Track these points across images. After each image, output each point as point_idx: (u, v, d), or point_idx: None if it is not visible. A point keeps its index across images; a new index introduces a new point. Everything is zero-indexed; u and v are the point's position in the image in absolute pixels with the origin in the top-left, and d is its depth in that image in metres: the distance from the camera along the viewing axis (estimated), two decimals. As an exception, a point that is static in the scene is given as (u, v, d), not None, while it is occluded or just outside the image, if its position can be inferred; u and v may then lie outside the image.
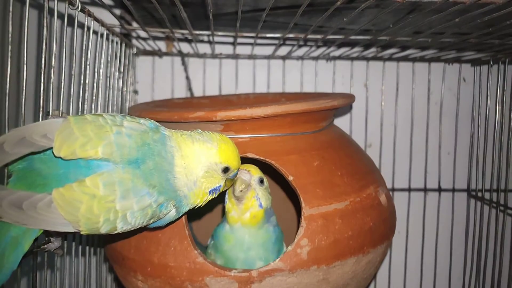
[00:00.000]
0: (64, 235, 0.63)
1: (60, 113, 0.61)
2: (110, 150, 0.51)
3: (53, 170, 0.52)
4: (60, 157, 0.50)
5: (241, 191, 0.67)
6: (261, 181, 0.70)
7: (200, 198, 0.59)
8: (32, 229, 0.51)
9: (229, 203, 0.70)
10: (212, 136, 0.60)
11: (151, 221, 0.55)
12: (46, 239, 0.59)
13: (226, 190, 0.67)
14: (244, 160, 0.69)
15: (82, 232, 0.51)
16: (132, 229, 0.55)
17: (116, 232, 0.53)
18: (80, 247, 0.77)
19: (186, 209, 0.59)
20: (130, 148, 0.52)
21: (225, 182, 0.61)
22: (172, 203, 0.56)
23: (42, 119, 0.60)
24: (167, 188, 0.55)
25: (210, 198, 0.61)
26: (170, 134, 0.58)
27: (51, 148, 0.50)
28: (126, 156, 0.52)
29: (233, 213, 0.69)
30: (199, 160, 0.57)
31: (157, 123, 0.59)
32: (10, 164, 0.53)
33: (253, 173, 0.69)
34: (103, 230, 0.52)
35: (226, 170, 0.59)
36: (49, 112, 0.60)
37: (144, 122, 0.57)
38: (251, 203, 0.68)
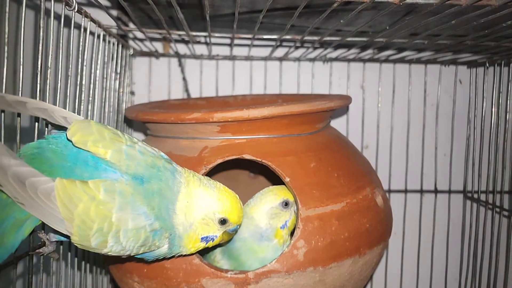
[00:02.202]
0: (60, 242, 0.63)
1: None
2: (119, 157, 0.52)
3: (61, 161, 0.53)
4: (71, 141, 0.52)
5: None
6: (286, 204, 0.70)
7: (192, 244, 0.58)
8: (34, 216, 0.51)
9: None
10: (218, 185, 0.60)
11: (141, 249, 0.54)
12: (41, 242, 0.59)
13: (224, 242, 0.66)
14: (241, 161, 0.69)
15: (73, 239, 0.51)
16: (121, 252, 0.53)
17: (105, 250, 0.52)
18: (76, 251, 0.77)
19: (177, 250, 0.58)
20: (138, 163, 0.53)
21: (222, 234, 0.60)
22: (166, 236, 0.55)
23: (38, 123, 0.60)
24: (165, 217, 0.54)
25: (203, 247, 0.59)
26: (182, 170, 0.58)
27: (64, 137, 0.53)
28: (132, 169, 0.53)
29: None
30: (199, 204, 0.57)
31: (169, 158, 0.59)
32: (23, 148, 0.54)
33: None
34: (94, 241, 0.51)
35: (223, 222, 0.58)
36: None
37: (159, 151, 0.58)
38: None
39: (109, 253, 0.53)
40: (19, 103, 0.53)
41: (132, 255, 0.55)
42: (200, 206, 0.57)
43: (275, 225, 0.69)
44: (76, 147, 0.52)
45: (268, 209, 0.70)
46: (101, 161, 0.52)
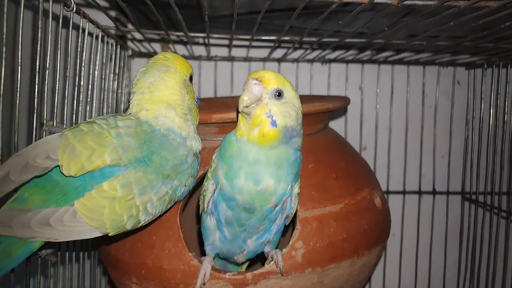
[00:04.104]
0: (57, 243, 0.63)
1: (54, 123, 0.61)
2: (117, 156, 0.53)
3: (71, 182, 0.53)
4: (71, 176, 0.51)
5: (245, 106, 0.55)
6: (279, 94, 0.56)
7: (197, 115, 0.65)
8: None
9: (240, 114, 0.58)
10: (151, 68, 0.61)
11: (169, 205, 0.59)
12: None
13: None
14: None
15: (110, 234, 0.54)
16: (153, 217, 0.58)
17: (140, 225, 0.56)
18: (74, 253, 0.76)
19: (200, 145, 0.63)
20: (134, 149, 0.54)
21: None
22: (187, 176, 0.59)
23: (36, 123, 0.59)
24: (181, 167, 0.58)
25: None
26: (146, 114, 0.59)
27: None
28: (133, 157, 0.54)
29: (241, 125, 0.58)
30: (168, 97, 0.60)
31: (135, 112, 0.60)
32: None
33: (266, 85, 0.56)
34: (129, 226, 0.55)
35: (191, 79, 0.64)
36: (43, 123, 0.60)
37: (135, 114, 0.59)
38: (260, 120, 0.55)
39: (144, 224, 0.57)
40: (2, 181, 0.51)
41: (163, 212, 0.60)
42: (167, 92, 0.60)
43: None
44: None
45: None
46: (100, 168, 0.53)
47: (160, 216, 0.61)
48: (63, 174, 0.52)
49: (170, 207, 0.61)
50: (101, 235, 0.53)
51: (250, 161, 0.57)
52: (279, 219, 0.63)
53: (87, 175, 0.53)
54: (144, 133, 0.57)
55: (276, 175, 0.57)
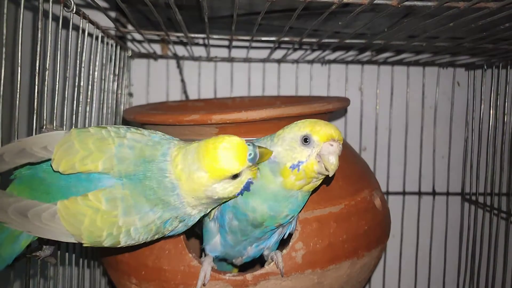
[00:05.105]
0: (57, 243, 0.63)
1: (54, 126, 0.61)
2: (111, 165, 0.51)
3: (55, 181, 0.52)
4: (59, 172, 0.50)
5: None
6: (305, 140, 0.56)
7: (225, 196, 0.53)
8: None
9: (290, 170, 0.55)
10: (202, 146, 0.52)
11: (156, 236, 0.54)
12: (38, 245, 0.59)
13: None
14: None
15: (84, 244, 0.51)
16: (136, 244, 0.54)
17: (120, 246, 0.53)
18: (74, 254, 0.76)
19: (196, 219, 0.55)
20: (130, 163, 0.51)
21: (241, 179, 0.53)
22: (178, 220, 0.54)
23: (36, 124, 0.59)
24: (172, 206, 0.52)
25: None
26: (172, 149, 0.53)
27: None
28: (125, 171, 0.51)
29: (290, 177, 0.55)
30: (192, 181, 0.51)
31: (163, 135, 0.56)
32: (15, 170, 0.53)
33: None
34: (106, 243, 0.51)
35: (235, 176, 0.52)
36: (42, 126, 0.60)
37: (149, 134, 0.55)
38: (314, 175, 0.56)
39: (125, 246, 0.53)
40: None
41: (147, 242, 0.55)
42: (193, 183, 0.50)
43: (284, 161, 0.55)
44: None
45: (288, 138, 0.56)
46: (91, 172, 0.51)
47: (145, 243, 0.56)
48: (51, 170, 0.51)
49: (158, 239, 0.56)
50: (76, 242, 0.51)
51: (275, 198, 0.57)
52: (280, 232, 0.65)
53: (73, 177, 0.51)
54: (151, 153, 0.52)
55: (292, 209, 0.58)
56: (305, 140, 0.55)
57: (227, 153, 0.50)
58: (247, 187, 0.53)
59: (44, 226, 0.49)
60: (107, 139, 0.52)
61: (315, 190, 0.60)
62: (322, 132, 0.54)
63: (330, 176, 0.55)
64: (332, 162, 0.54)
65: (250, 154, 0.51)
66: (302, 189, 0.56)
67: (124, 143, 0.52)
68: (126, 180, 0.51)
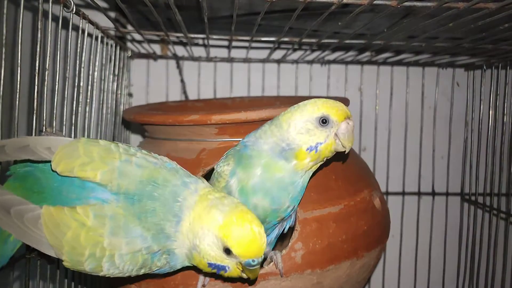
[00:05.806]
0: None
1: (54, 130, 0.61)
2: (110, 177, 0.49)
3: (49, 182, 0.51)
4: (56, 172, 0.49)
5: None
6: (324, 122, 0.56)
7: (203, 265, 0.51)
8: None
9: (306, 152, 0.54)
10: (233, 207, 0.49)
11: (141, 271, 0.51)
12: None
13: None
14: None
15: (65, 264, 0.49)
16: (120, 275, 0.50)
17: (102, 273, 0.49)
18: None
19: (182, 265, 0.53)
20: (134, 180, 0.49)
21: (237, 266, 0.50)
22: (165, 257, 0.51)
23: (36, 124, 0.59)
24: (164, 238, 0.49)
25: (212, 271, 0.51)
26: (195, 185, 0.51)
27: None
28: (124, 188, 0.49)
29: (306, 159, 0.55)
30: (202, 226, 0.49)
31: (180, 167, 0.54)
32: (13, 165, 0.53)
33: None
34: (88, 266, 0.48)
35: (227, 251, 0.48)
36: (42, 130, 0.60)
37: (162, 159, 0.53)
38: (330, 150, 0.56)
39: (107, 276, 0.50)
40: None
41: (133, 276, 0.51)
42: (202, 228, 0.49)
43: (301, 144, 0.54)
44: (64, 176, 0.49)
45: (301, 121, 0.54)
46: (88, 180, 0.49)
47: (130, 277, 0.52)
48: (49, 171, 0.50)
49: (144, 274, 0.52)
50: (56, 256, 0.49)
51: (279, 185, 0.56)
52: (280, 226, 0.64)
53: (68, 181, 0.49)
54: (165, 178, 0.50)
55: (293, 197, 0.57)
56: (323, 121, 0.54)
57: (254, 236, 0.48)
58: (223, 268, 0.50)
59: (26, 230, 0.47)
60: (113, 153, 0.51)
61: (313, 174, 0.60)
62: (340, 112, 0.54)
63: (346, 152, 0.56)
64: (351, 139, 0.55)
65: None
66: (309, 169, 0.56)
67: (131, 160, 0.51)
68: (123, 197, 0.49)
